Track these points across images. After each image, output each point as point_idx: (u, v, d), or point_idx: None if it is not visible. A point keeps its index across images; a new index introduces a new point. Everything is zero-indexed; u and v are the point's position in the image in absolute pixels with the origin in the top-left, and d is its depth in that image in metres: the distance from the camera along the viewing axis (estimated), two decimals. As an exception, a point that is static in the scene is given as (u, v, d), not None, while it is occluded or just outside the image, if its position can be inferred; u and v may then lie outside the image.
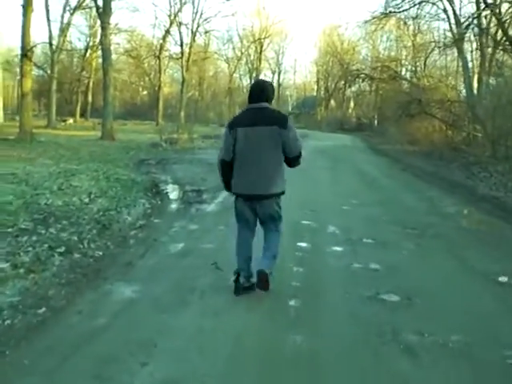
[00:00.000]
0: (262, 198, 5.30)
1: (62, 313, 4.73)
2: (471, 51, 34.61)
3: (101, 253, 6.55)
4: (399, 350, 4.22)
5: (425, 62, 47.55)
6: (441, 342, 4.35)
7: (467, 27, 26.83)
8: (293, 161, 5.41)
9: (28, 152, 18.74)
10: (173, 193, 11.98)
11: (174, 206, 10.36)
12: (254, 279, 5.28)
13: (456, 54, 37.97)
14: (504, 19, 23.77)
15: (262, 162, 5.21)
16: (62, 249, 6.35)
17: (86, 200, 9.32)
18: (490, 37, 27.54)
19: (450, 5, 30.59)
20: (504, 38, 24.68)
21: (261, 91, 5.38)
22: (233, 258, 5.73)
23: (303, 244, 7.44)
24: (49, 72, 45.61)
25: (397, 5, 30.78)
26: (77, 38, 71.57)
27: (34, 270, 5.56)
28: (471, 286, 6.02)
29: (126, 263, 6.23)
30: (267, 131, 5.19)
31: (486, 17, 27.21)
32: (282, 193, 5.41)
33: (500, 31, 25.24)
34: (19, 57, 27.05)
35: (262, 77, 70.62)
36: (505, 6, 24.09)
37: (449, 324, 4.77)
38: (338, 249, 7.31)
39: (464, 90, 31.84)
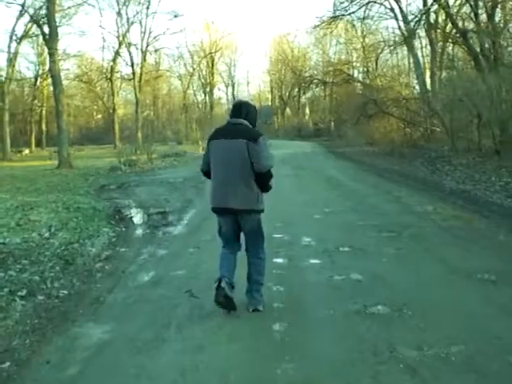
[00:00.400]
0: (236, 212, 5.21)
1: (29, 365, 4.28)
2: (421, 48, 34.91)
3: (66, 292, 6.09)
4: (399, 369, 3.90)
5: (376, 62, 48.01)
6: (442, 355, 4.06)
7: (417, 23, 26.94)
8: (264, 181, 5.25)
9: (-18, 187, 18.10)
10: (137, 217, 11.52)
11: (139, 231, 9.90)
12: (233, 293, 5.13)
13: (406, 52, 38.43)
14: (452, 12, 23.99)
15: (232, 176, 5.15)
16: (24, 292, 5.87)
17: (47, 234, 8.82)
18: (440, 31, 27.73)
19: (397, 3, 30.84)
20: (454, 31, 24.90)
21: (239, 108, 5.47)
22: (207, 284, 5.53)
23: (279, 260, 7.11)
24: (-1, 104, 44.61)
25: (345, 7, 30.85)
26: (25, 67, 70.19)
27: (-6, 319, 5.11)
28: (458, 289, 5.78)
29: (93, 301, 5.79)
30: (237, 144, 5.13)
31: (435, 12, 27.44)
32: (259, 211, 5.33)
33: (450, 25, 25.42)
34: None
35: (215, 91, 70.70)
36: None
37: (446, 333, 4.48)
38: (316, 261, 7.00)
39: (418, 87, 32.07)
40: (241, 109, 5.42)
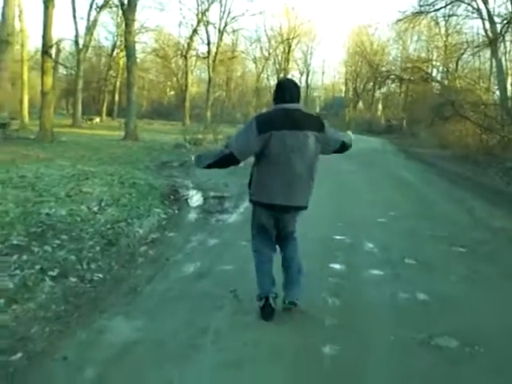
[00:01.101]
0: (294, 209, 4.76)
1: (42, 360, 3.79)
2: (505, 52, 33.28)
3: (101, 275, 5.59)
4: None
5: (457, 63, 46.39)
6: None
7: (505, 26, 25.55)
8: (341, 149, 5.05)
9: (46, 152, 18.05)
10: (192, 200, 11.03)
11: (192, 215, 9.38)
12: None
13: (488, 56, 36.79)
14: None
15: (300, 170, 4.58)
16: (56, 271, 5.40)
17: (95, 209, 8.39)
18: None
19: (484, 4, 29.41)
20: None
21: (296, 90, 4.72)
22: (255, 284, 4.87)
23: (337, 266, 6.45)
24: (73, 70, 45.26)
25: (431, 3, 29.70)
26: (104, 37, 71.11)
27: (16, 299, 4.63)
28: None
29: (129, 290, 5.28)
30: (309, 137, 4.57)
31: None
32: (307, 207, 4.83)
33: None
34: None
35: (289, 77, 69.72)
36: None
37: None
38: (378, 272, 6.30)
39: (498, 92, 30.68)
40: (297, 89, 4.73)
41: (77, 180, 11.16)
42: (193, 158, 4.96)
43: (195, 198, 11.22)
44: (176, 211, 9.50)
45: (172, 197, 10.82)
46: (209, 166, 4.87)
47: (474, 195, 13.96)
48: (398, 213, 10.34)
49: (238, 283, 5.52)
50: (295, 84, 4.80)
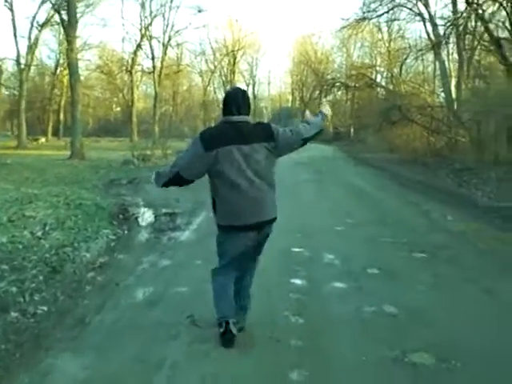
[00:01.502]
0: (264, 224, 4.39)
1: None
2: (447, 55, 33.71)
3: (45, 308, 5.13)
4: None
5: (401, 68, 46.99)
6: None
7: (448, 29, 25.82)
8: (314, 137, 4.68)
9: (-11, 176, 17.31)
10: (143, 218, 10.57)
11: (143, 235, 8.93)
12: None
13: (431, 59, 37.27)
14: (486, 19, 22.88)
15: (258, 184, 4.27)
16: (-5, 306, 4.96)
17: (39, 234, 7.89)
18: (470, 38, 26.62)
19: (426, 9, 29.76)
20: (487, 39, 23.80)
21: (243, 102, 4.38)
22: (212, 307, 4.52)
23: (297, 281, 6.14)
24: (16, 91, 44.33)
25: (374, 8, 29.95)
26: (47, 55, 69.82)
27: None
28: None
29: (76, 322, 4.83)
30: (259, 149, 4.27)
31: (464, 18, 26.30)
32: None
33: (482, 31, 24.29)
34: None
35: (238, 86, 69.60)
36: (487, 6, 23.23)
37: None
38: (341, 285, 6.01)
39: (443, 95, 31.05)
40: (245, 100, 4.38)
41: (20, 204, 10.58)
42: (152, 177, 4.54)
43: (145, 216, 10.78)
44: (126, 231, 9.05)
45: (121, 216, 10.36)
46: (165, 185, 4.47)
47: (427, 198, 13.87)
48: (354, 220, 10.13)
49: (194, 307, 5.15)
50: (243, 94, 4.46)
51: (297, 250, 7.64)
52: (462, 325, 4.85)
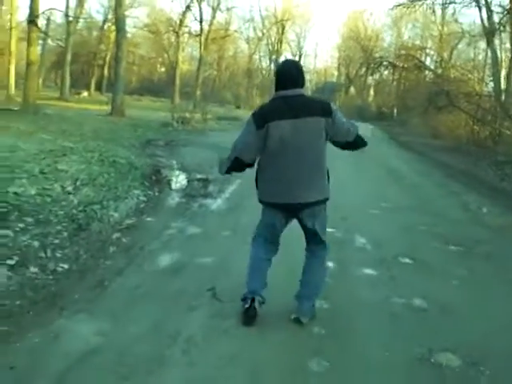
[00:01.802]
0: (304, 206, 4.17)
1: (-17, 369, 3.26)
2: (500, 44, 32.74)
3: (66, 266, 5.03)
4: None
5: (451, 52, 46.04)
6: None
7: (505, 17, 24.98)
8: (356, 146, 4.40)
9: (28, 125, 17.32)
10: (175, 182, 10.44)
11: (173, 199, 8.80)
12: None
13: (483, 47, 36.26)
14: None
15: (306, 163, 4.08)
16: (14, 260, 4.84)
17: (69, 188, 7.79)
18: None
19: (483, -5, 28.83)
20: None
21: (297, 74, 4.15)
22: (236, 281, 4.53)
23: (327, 263, 5.92)
24: (62, 42, 44.54)
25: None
26: (96, 10, 70.09)
27: (-37, 292, 4.07)
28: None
29: (96, 283, 4.72)
30: (312, 124, 4.03)
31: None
32: (326, 199, 4.31)
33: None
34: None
35: (282, 59, 69.12)
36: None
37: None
38: (371, 272, 5.78)
39: (491, 84, 30.25)
40: (298, 73, 4.15)
41: (54, 156, 10.51)
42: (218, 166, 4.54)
43: (178, 180, 10.65)
44: (156, 193, 8.94)
45: (154, 178, 10.25)
46: (228, 171, 4.48)
47: (468, 189, 13.47)
48: (391, 204, 9.84)
49: (217, 280, 4.99)
50: (296, 66, 4.25)
51: (328, 230, 7.39)
52: (494, 327, 4.58)
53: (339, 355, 3.79)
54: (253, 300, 4.16)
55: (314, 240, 4.44)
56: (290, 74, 4.12)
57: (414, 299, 5.00)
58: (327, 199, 4.30)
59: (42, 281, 4.62)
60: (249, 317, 4.15)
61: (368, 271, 5.80)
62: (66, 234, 5.84)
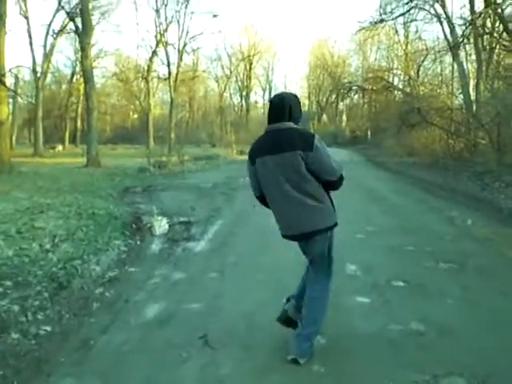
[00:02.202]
0: (304, 237, 4.19)
1: None
2: (465, 56, 33.19)
3: (49, 328, 4.80)
4: None
5: (418, 70, 46.58)
6: None
7: (467, 29, 25.32)
8: (336, 186, 4.27)
9: (3, 184, 17.12)
10: (157, 227, 10.24)
11: (156, 245, 8.59)
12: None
13: (449, 61, 36.70)
14: (506, 18, 22.36)
15: (292, 197, 4.04)
16: (-6, 327, 4.63)
17: (47, 246, 7.58)
18: (488, 38, 26.05)
19: (443, 9, 29.31)
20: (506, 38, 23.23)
21: (281, 108, 4.12)
22: (228, 325, 4.61)
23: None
24: (32, 99, 44.57)
25: (391, 9, 29.61)
26: (63, 63, 70.24)
27: None
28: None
29: (81, 344, 4.50)
30: (288, 159, 3.98)
31: (483, 18, 25.76)
32: (332, 226, 4.28)
33: (504, 33, 23.71)
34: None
35: (252, 94, 69.81)
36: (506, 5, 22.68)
37: None
38: (365, 300, 5.63)
39: (461, 97, 30.59)
40: (283, 107, 4.08)
41: (30, 214, 10.32)
42: None
43: (159, 226, 10.45)
44: (138, 242, 8.73)
45: (134, 226, 10.04)
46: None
47: (449, 203, 13.45)
48: (376, 228, 9.73)
49: (208, 326, 4.81)
50: (283, 99, 4.17)
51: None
52: (494, 343, 4.45)
53: (341, 393, 3.61)
54: (288, 301, 4.60)
55: (318, 271, 4.36)
56: (276, 107, 4.12)
57: (410, 324, 4.86)
58: (329, 227, 4.24)
59: (24, 346, 4.40)
60: (281, 315, 4.55)
61: (361, 299, 5.65)
62: (46, 294, 5.62)
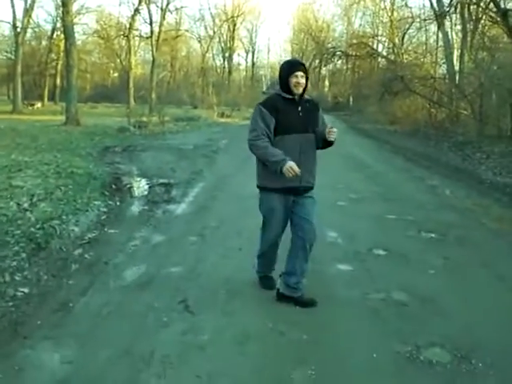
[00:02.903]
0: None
1: None
2: (451, 26, 33.03)
3: (27, 290, 4.69)
4: None
5: (403, 38, 46.34)
6: None
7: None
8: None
9: (-21, 141, 16.79)
10: (137, 189, 10.11)
11: (136, 207, 8.47)
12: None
13: (434, 30, 36.53)
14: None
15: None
16: (-31, 288, 4.52)
17: (26, 205, 7.42)
18: (478, 9, 25.87)
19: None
20: (492, 9, 23.05)
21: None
22: (208, 290, 4.59)
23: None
24: (9, 54, 43.69)
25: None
26: (43, 19, 68.66)
27: None
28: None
29: (59, 306, 4.40)
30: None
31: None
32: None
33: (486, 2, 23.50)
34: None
35: (235, 56, 69.21)
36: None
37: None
38: (346, 268, 5.61)
39: (445, 66, 30.53)
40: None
41: (8, 172, 10.10)
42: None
43: (139, 187, 10.33)
44: (118, 203, 8.60)
45: (114, 186, 9.90)
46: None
47: (431, 172, 13.50)
48: (358, 195, 9.72)
49: (188, 291, 4.75)
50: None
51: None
52: (477, 315, 4.46)
53: (324, 363, 3.58)
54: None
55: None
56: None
57: (392, 293, 4.85)
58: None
59: (1, 309, 4.31)
60: (264, 284, 4.94)
61: (342, 267, 5.64)
62: (24, 255, 5.49)
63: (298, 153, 4.43)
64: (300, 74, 4.39)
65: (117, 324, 4.12)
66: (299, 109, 4.49)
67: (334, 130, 4.54)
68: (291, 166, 4.21)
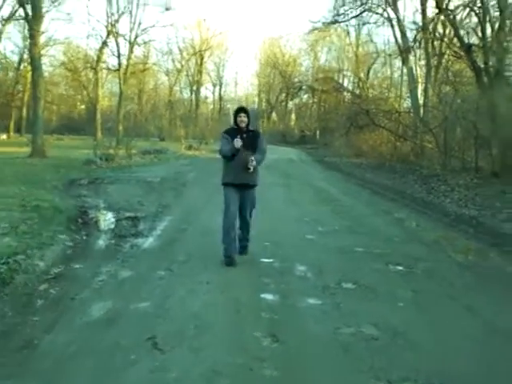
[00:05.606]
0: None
1: None
2: (415, 61, 33.73)
3: (-11, 327, 4.60)
4: None
5: (368, 72, 47.20)
6: None
7: (418, 34, 25.70)
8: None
9: None
10: (103, 222, 10.00)
11: (103, 241, 8.34)
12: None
13: (399, 64, 37.27)
14: (457, 25, 22.70)
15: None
16: None
17: (-11, 240, 7.29)
18: (442, 44, 26.49)
19: (395, 14, 29.72)
20: (457, 45, 23.60)
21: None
22: (177, 326, 4.50)
23: (269, 296, 5.69)
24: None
25: (344, 12, 29.90)
26: (10, 50, 68.33)
27: None
28: (508, 358, 4.37)
29: (24, 344, 4.26)
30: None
31: (434, 23, 26.14)
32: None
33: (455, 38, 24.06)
34: None
35: (203, 89, 69.57)
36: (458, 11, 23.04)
37: None
38: (316, 302, 5.57)
39: (410, 100, 31.10)
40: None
41: (-29, 206, 9.91)
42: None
43: (106, 220, 10.22)
44: (84, 237, 8.48)
45: (80, 220, 9.76)
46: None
47: (397, 205, 13.67)
48: (325, 228, 9.76)
49: (157, 327, 4.67)
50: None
51: (266, 260, 7.20)
52: (447, 347, 4.47)
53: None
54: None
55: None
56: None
57: (363, 327, 4.83)
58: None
59: (-38, 348, 4.18)
60: (228, 263, 6.91)
61: (312, 301, 5.60)
62: (-13, 291, 5.37)
63: (244, 162, 6.93)
64: (242, 114, 7.14)
65: (83, 362, 4.01)
66: (244, 136, 7.01)
67: (254, 163, 6.96)
68: (235, 142, 6.86)
